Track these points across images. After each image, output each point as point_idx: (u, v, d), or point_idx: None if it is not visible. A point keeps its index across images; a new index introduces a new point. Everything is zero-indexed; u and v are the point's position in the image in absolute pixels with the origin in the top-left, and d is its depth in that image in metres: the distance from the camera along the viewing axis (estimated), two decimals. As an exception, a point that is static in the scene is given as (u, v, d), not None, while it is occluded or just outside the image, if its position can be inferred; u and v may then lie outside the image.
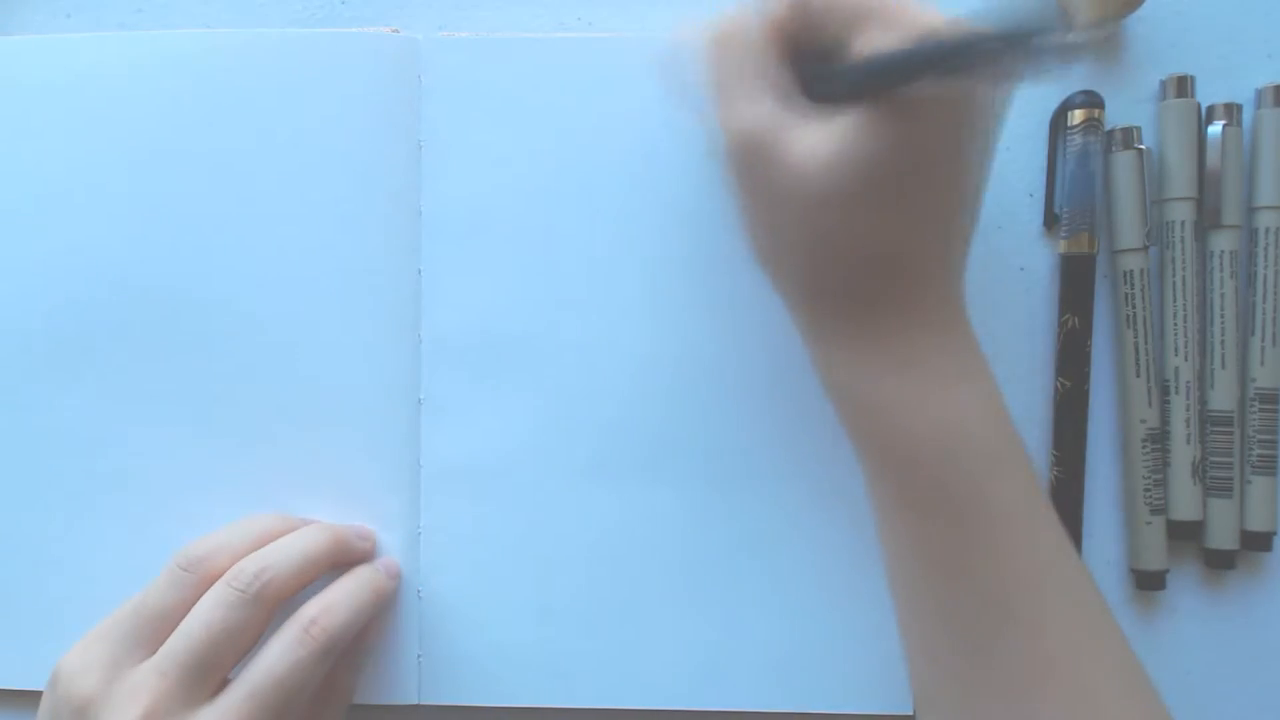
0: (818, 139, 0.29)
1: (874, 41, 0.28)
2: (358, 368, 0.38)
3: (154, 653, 0.32)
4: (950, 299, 0.32)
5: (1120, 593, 0.39)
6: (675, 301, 0.38)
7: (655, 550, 0.38)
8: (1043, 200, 0.39)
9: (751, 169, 0.31)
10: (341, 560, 0.36)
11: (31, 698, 0.38)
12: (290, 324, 0.38)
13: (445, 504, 0.38)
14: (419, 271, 0.38)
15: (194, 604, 0.33)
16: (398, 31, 0.39)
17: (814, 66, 0.31)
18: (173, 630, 0.33)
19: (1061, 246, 0.38)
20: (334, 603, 0.34)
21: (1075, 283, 0.38)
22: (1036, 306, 0.39)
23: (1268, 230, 0.38)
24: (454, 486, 0.38)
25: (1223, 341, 0.38)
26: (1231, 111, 0.38)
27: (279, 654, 0.32)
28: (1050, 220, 0.39)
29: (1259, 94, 0.38)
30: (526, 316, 0.38)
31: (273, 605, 0.33)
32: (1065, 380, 0.38)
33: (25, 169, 0.39)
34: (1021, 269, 0.39)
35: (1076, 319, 0.38)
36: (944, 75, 0.26)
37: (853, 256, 0.30)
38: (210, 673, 0.32)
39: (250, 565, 0.33)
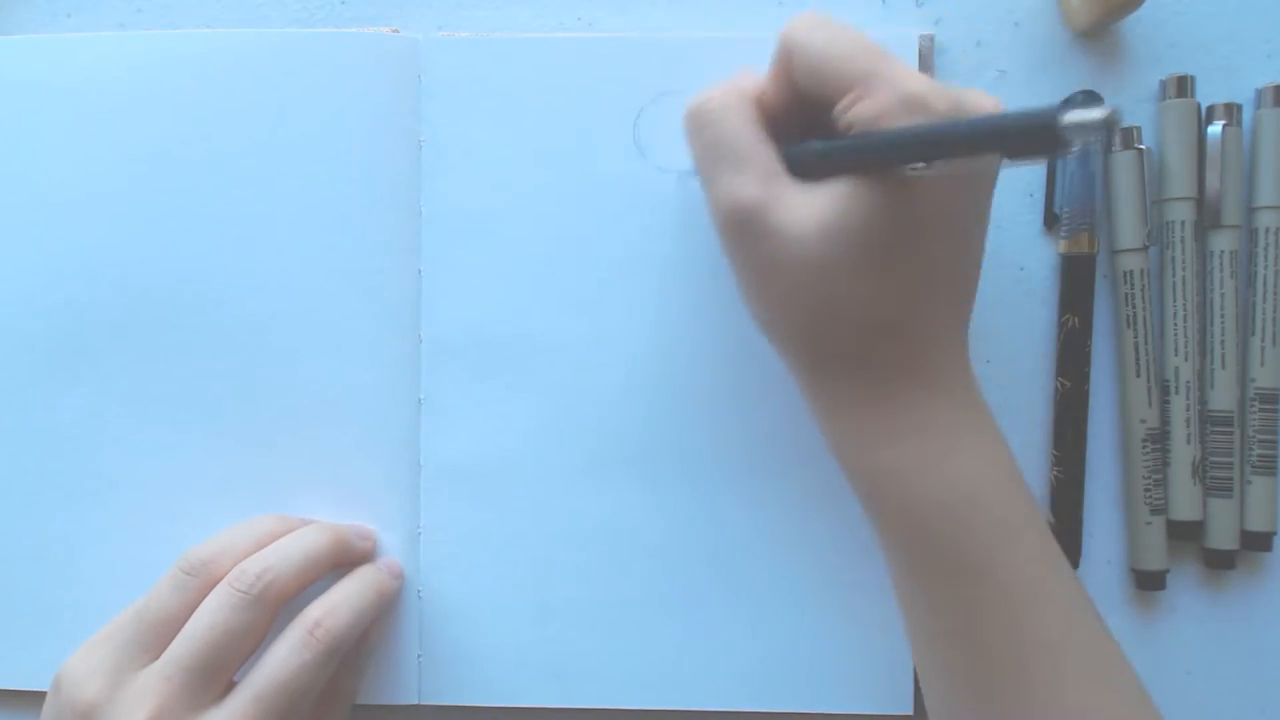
0: (810, 207, 0.29)
1: (861, 112, 0.28)
2: (358, 368, 0.38)
3: (158, 657, 0.32)
4: (954, 361, 0.31)
5: (1120, 593, 0.39)
6: (674, 301, 0.38)
7: (655, 550, 0.38)
8: (1043, 200, 0.39)
9: (744, 240, 0.30)
10: (343, 560, 0.36)
11: (31, 698, 0.38)
12: (290, 324, 0.38)
13: (445, 504, 0.38)
14: (419, 271, 0.38)
15: (197, 607, 0.33)
16: (398, 31, 0.39)
17: (799, 145, 0.30)
18: (176, 634, 0.33)
19: (1061, 246, 0.38)
20: (337, 604, 0.34)
21: (1075, 283, 0.38)
22: (1036, 306, 0.39)
23: (1268, 230, 0.38)
24: (454, 486, 0.38)
25: (1223, 341, 0.38)
26: (1231, 111, 0.38)
27: (284, 657, 0.32)
28: (1050, 220, 0.39)
29: (1259, 94, 0.38)
30: (526, 316, 0.38)
31: (275, 606, 0.33)
32: (1065, 380, 0.38)
33: (25, 169, 0.39)
34: (1021, 269, 0.39)
35: (1076, 319, 0.38)
36: (934, 159, 0.26)
37: (852, 322, 0.30)
38: (215, 676, 0.32)
39: (252, 566, 0.33)
